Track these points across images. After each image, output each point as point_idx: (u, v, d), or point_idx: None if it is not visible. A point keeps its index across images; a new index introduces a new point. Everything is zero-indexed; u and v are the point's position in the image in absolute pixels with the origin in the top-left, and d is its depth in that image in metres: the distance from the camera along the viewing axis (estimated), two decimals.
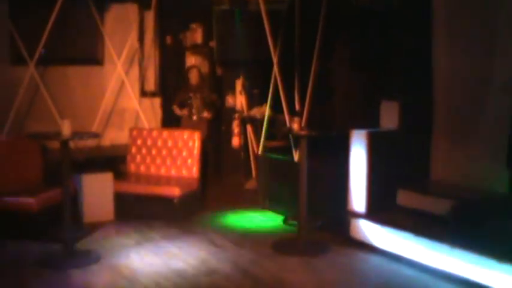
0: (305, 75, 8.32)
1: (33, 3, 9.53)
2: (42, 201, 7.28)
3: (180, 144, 8.72)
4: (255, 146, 10.01)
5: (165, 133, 8.89)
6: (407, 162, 7.04)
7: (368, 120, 7.39)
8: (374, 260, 6.65)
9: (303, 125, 7.74)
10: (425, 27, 7.14)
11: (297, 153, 8.00)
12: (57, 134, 6.65)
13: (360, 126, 7.12)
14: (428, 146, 7.21)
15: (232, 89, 10.62)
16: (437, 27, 7.11)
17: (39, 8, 9.37)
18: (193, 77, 9.71)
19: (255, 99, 10.34)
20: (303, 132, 7.17)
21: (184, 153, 8.68)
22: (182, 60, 11.26)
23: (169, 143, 8.79)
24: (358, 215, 7.04)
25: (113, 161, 9.20)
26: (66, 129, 6.53)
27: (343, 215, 7.21)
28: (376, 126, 7.27)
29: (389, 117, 7.18)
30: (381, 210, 6.89)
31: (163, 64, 11.33)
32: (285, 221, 8.14)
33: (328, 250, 6.97)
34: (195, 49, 11.17)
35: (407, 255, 6.43)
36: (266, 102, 9.14)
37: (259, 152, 9.11)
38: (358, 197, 7.04)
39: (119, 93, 10.83)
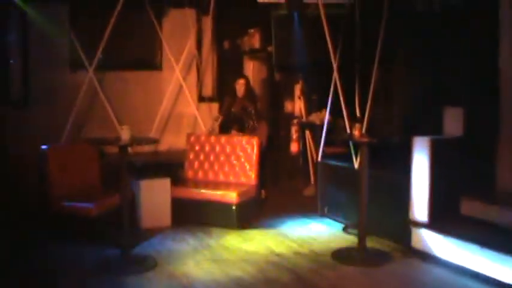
0: (366, 80, 8.23)
1: (93, 9, 9.64)
2: (101, 206, 7.36)
3: (238, 150, 8.71)
4: (313, 152, 9.95)
5: (223, 139, 8.89)
6: (472, 170, 6.86)
7: (431, 127, 7.26)
8: (437, 271, 6.49)
9: (363, 131, 7.65)
10: (491, 26, 6.95)
11: (358, 160, 7.91)
12: (117, 139, 6.71)
13: (422, 133, 7.00)
14: (494, 154, 7.02)
15: (291, 95, 10.58)
16: (504, 26, 6.91)
17: (99, 15, 9.47)
18: (240, 89, 9.20)
19: (313, 104, 10.30)
20: (364, 139, 7.08)
21: (242, 159, 8.67)
22: (240, 65, 11.26)
23: (228, 149, 8.79)
24: (420, 225, 6.90)
25: (170, 167, 9.22)
26: (125, 134, 6.60)
27: (405, 224, 7.08)
28: (439, 133, 7.12)
29: (453, 123, 7.04)
30: (444, 219, 6.74)
31: (221, 69, 11.34)
32: (344, 230, 8.05)
33: (389, 260, 6.86)
34: (253, 54, 11.17)
35: (472, 267, 6.26)
36: (325, 107, 9.07)
37: (318, 159, 9.03)
38: (420, 205, 6.90)
39: (176, 98, 10.90)
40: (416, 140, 6.94)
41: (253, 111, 9.14)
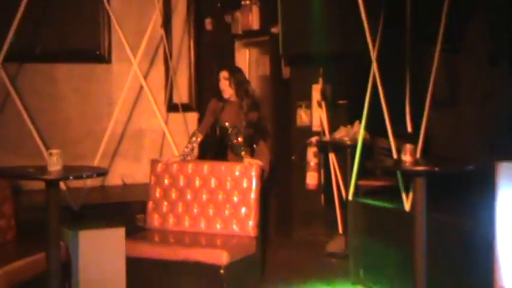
0: (420, 75, 8.17)
1: None
2: (13, 274, 7.07)
3: (229, 184, 8.56)
4: (341, 186, 9.81)
5: (206, 167, 8.73)
6: None
7: None
8: None
9: (418, 154, 7.56)
10: None
11: (409, 198, 7.84)
12: (42, 170, 6.62)
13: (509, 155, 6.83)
14: None
15: (307, 99, 10.46)
16: None
17: None
18: (223, 87, 8.93)
19: (341, 114, 10.22)
20: (419, 167, 7.03)
21: (235, 198, 8.50)
22: (230, 56, 11.19)
23: (213, 183, 8.63)
24: None
25: (126, 210, 9.20)
26: (54, 162, 6.50)
27: None
28: None
29: None
30: None
31: (201, 61, 11.25)
32: None
33: None
34: (250, 38, 11.11)
35: None
36: (359, 119, 8.94)
37: (349, 196, 8.91)
38: (510, 267, 6.65)
39: (134, 106, 10.78)
40: (503, 167, 6.72)
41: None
